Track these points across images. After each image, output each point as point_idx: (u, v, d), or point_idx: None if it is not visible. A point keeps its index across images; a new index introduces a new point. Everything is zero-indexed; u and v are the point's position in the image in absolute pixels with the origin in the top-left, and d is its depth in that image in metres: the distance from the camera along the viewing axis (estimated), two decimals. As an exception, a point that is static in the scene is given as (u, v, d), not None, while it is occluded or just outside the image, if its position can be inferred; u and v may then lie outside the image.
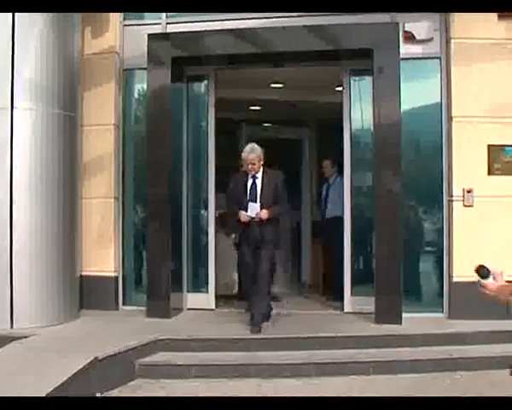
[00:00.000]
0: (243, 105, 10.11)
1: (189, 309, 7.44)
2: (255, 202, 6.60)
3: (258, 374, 5.77)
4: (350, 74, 7.40)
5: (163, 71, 7.14)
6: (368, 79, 7.08)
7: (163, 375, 5.72)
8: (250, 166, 6.52)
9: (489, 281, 2.68)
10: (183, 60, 7.28)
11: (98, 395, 5.39)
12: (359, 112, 7.41)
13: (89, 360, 5.37)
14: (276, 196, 6.58)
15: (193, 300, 7.55)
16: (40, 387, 4.89)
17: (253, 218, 6.52)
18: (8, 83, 6.54)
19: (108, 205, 7.64)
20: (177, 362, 5.92)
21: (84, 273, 7.47)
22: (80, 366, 5.26)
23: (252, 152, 6.52)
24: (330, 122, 8.66)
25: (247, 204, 6.59)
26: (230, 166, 7.86)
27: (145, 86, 7.46)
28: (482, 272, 2.70)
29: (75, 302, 7.14)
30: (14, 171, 6.55)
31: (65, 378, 5.04)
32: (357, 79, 7.41)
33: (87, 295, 7.38)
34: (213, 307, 7.59)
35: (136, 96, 8.02)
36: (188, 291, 7.63)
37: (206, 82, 7.76)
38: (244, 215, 6.54)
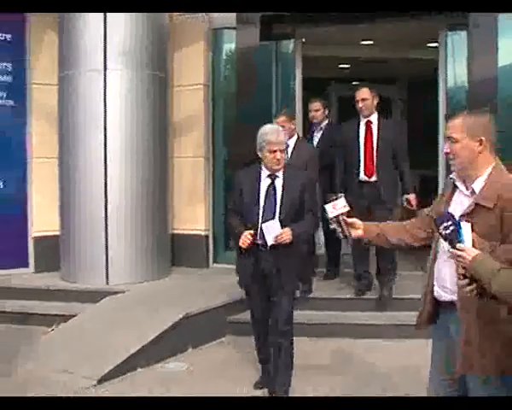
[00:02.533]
0: (332, 63, 9.95)
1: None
2: (272, 217, 4.26)
3: (341, 333, 5.86)
4: (446, 29, 7.10)
5: (252, 30, 7.07)
6: (464, 35, 6.77)
7: (251, 332, 5.80)
8: (278, 155, 4.30)
9: (328, 206, 3.16)
10: (272, 18, 7.21)
11: (190, 349, 5.58)
12: (455, 69, 7.13)
13: (181, 316, 5.57)
14: (300, 205, 4.35)
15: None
16: (139, 337, 5.17)
17: (268, 246, 4.23)
18: (100, 46, 6.72)
19: (199, 164, 7.75)
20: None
21: (175, 231, 7.65)
22: (173, 321, 5.46)
23: (280, 134, 4.42)
24: (421, 79, 8.41)
25: (258, 220, 4.30)
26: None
27: (234, 46, 7.44)
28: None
29: (167, 260, 7.35)
30: (108, 131, 6.75)
31: (159, 332, 5.29)
32: (452, 34, 7.11)
33: (178, 252, 7.57)
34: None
35: (224, 55, 8.04)
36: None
37: (294, 40, 7.65)
38: (247, 240, 4.26)
